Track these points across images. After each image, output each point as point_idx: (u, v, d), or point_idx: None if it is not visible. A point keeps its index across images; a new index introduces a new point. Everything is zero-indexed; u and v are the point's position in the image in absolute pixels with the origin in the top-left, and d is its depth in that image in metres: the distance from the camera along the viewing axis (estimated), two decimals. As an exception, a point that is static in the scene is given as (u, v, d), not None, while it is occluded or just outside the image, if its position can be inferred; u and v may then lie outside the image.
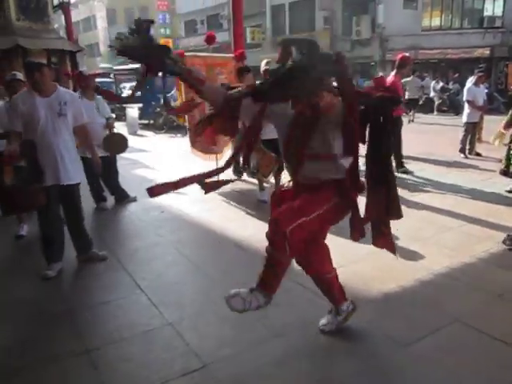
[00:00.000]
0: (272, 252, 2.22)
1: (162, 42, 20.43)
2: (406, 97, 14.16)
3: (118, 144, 5.18)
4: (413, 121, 14.52)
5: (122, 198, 5.83)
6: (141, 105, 15.14)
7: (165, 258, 4.04)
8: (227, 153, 6.77)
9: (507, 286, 3.28)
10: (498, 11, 21.64)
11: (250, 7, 25.04)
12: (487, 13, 21.99)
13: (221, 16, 29.81)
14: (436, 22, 22.67)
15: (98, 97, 5.47)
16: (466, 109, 8.20)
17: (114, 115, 5.68)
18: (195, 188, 2.33)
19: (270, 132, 5.54)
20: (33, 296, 3.41)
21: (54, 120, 3.52)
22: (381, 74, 17.36)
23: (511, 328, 2.77)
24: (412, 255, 3.88)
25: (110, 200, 5.86)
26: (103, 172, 5.11)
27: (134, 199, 5.88)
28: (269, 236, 2.21)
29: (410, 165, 7.35)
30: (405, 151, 7.32)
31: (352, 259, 3.80)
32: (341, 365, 2.43)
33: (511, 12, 21.07)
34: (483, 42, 21.05)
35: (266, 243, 2.28)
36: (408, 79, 14.60)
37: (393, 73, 6.77)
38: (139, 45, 2.08)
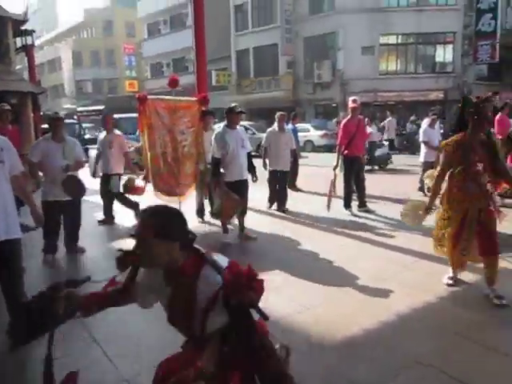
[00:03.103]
0: None
1: (127, 83, 20.92)
2: (385, 137, 16.30)
3: (74, 187, 5.04)
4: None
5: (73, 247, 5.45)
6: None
7: (122, 307, 3.86)
8: (190, 196, 6.73)
9: (462, 324, 3.35)
10: (449, 57, 23.20)
11: (216, 52, 25.81)
12: (439, 59, 23.55)
13: (186, 59, 30.50)
14: (392, 66, 24.04)
15: (72, 140, 5.33)
16: (423, 149, 8.55)
17: (84, 159, 5.42)
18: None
19: (233, 173, 5.63)
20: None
21: None
22: (342, 114, 18.14)
23: (466, 366, 2.81)
24: (374, 295, 3.90)
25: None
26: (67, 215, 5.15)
27: (83, 250, 5.49)
28: None
29: (371, 204, 7.51)
30: (367, 190, 7.50)
31: (315, 302, 3.77)
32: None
33: (460, 59, 22.62)
34: (437, 85, 22.34)
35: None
36: (388, 119, 16.98)
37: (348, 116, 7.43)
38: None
